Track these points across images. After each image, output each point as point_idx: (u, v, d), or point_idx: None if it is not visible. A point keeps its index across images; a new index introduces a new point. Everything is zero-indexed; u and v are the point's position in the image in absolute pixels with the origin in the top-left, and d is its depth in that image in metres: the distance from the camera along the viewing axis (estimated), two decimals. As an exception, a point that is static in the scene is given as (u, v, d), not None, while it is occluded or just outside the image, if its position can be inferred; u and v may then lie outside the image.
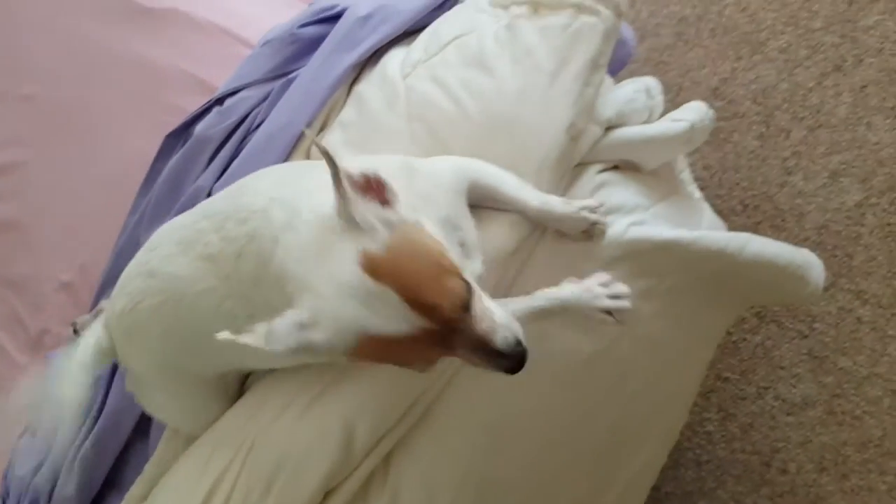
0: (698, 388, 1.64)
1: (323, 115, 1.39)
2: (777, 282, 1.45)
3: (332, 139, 1.34)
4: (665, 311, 1.35)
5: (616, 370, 1.33)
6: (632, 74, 2.13)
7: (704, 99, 2.05)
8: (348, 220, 0.85)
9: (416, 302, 0.83)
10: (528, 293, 1.22)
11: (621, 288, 1.22)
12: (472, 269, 1.06)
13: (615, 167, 1.36)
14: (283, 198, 1.01)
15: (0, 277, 1.92)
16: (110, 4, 1.81)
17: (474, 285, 0.91)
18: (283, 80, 1.47)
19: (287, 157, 1.38)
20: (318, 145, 0.81)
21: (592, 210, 1.21)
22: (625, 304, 1.21)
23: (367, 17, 1.42)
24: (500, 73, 1.25)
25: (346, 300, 0.84)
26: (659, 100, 1.45)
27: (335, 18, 1.50)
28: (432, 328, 0.84)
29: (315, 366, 1.25)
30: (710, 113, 1.46)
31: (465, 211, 1.13)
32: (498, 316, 0.90)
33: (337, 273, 0.85)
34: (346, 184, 0.84)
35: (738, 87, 2.06)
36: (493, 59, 1.26)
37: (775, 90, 2.01)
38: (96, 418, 1.55)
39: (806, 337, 1.93)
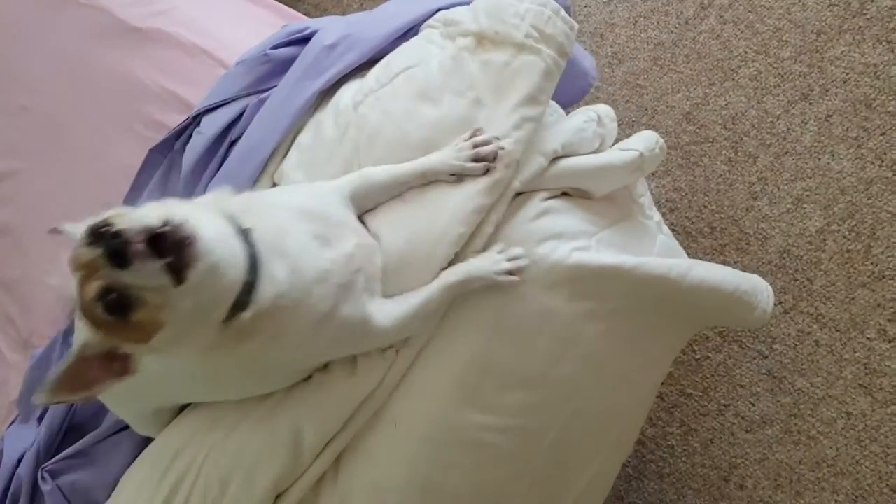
0: (650, 406, 1.70)
1: (289, 138, 1.47)
2: (723, 306, 1.50)
3: (289, 162, 1.43)
4: (608, 333, 1.40)
5: (559, 389, 1.38)
6: (609, 96, 2.21)
7: (677, 123, 2.14)
8: None
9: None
10: None
11: (517, 251, 1.28)
12: (335, 254, 1.14)
13: (564, 194, 1.43)
14: None
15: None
16: (101, 23, 1.90)
17: (142, 210, 0.92)
18: (256, 99, 1.55)
19: (257, 177, 1.47)
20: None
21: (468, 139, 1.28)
22: (523, 261, 1.28)
23: (332, 46, 1.49)
24: (441, 104, 1.32)
25: None
26: (611, 127, 1.51)
27: (305, 41, 1.57)
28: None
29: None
30: (661, 142, 1.52)
31: (329, 209, 1.21)
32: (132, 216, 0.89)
33: None
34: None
35: (710, 112, 2.12)
36: (436, 90, 1.33)
37: (744, 116, 2.07)
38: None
39: (766, 357, 1.98)
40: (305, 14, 2.26)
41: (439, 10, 1.49)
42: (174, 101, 1.73)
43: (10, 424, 1.80)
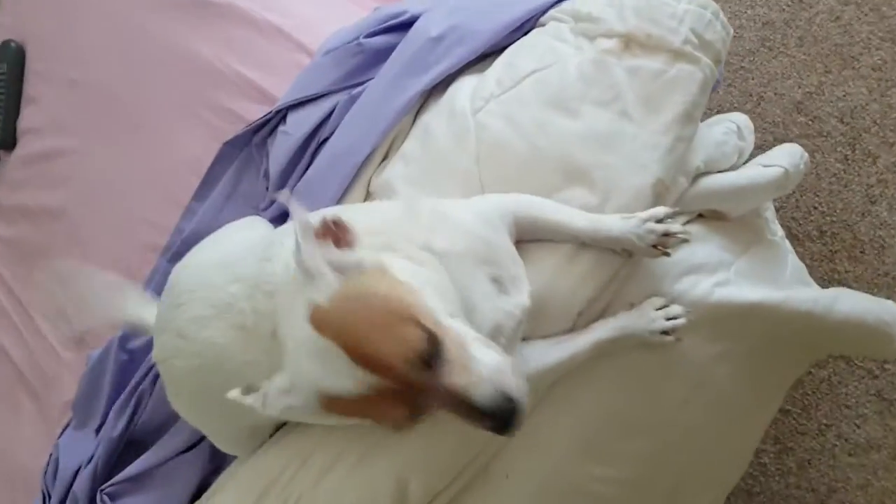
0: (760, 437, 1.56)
1: (386, 143, 1.30)
2: (862, 338, 1.39)
3: (393, 173, 1.26)
4: (737, 373, 1.28)
5: (683, 436, 1.27)
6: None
7: (786, 113, 1.95)
8: (301, 269, 0.83)
9: (361, 356, 0.78)
10: None
11: (676, 309, 1.14)
12: (511, 304, 1.00)
13: (699, 216, 1.26)
14: None
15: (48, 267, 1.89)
16: (166, -10, 1.72)
17: (457, 330, 0.83)
18: (347, 95, 1.38)
19: (349, 184, 1.31)
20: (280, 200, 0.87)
21: (660, 219, 1.09)
22: (681, 321, 1.14)
23: (438, 39, 1.30)
24: (581, 115, 1.15)
25: (301, 358, 0.83)
26: (750, 140, 1.34)
27: (403, 26, 1.39)
28: (387, 385, 0.78)
29: None
30: (805, 157, 1.36)
31: (504, 243, 1.05)
32: (484, 366, 0.80)
33: (294, 329, 0.84)
34: (299, 231, 0.82)
35: (825, 103, 1.92)
36: (574, 99, 1.16)
37: (865, 110, 1.87)
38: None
39: (876, 377, 1.83)
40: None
41: (562, -1, 1.30)
42: (248, 88, 1.55)
43: (64, 429, 1.69)
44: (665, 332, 1.13)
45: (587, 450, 1.18)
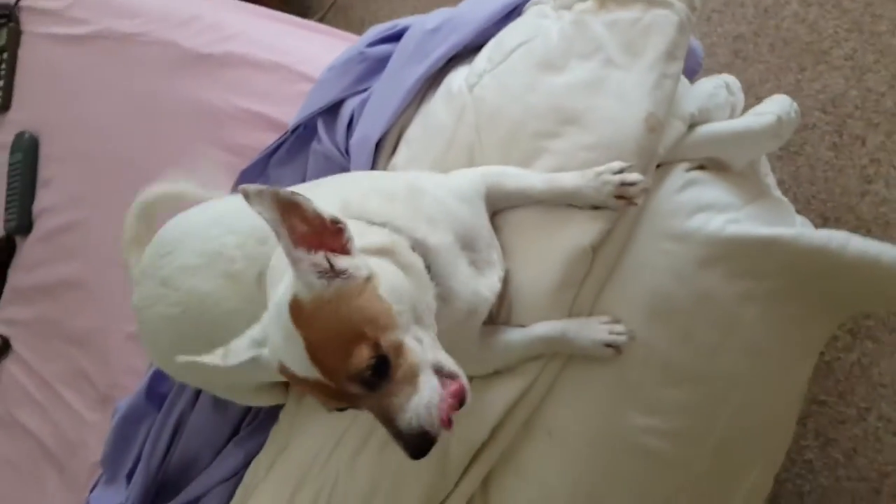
0: (799, 409, 1.53)
1: (396, 129, 1.37)
2: (881, 283, 1.36)
3: (398, 158, 1.32)
4: (766, 317, 1.26)
5: (720, 383, 1.24)
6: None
7: (770, 114, 2.00)
8: (292, 262, 0.84)
9: (315, 357, 0.84)
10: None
11: (620, 327, 1.15)
12: (485, 287, 1.07)
13: (701, 167, 1.30)
14: None
15: (65, 336, 1.90)
16: (168, 56, 1.82)
17: (416, 356, 0.88)
18: (359, 100, 1.45)
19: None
20: (246, 191, 0.80)
21: (616, 171, 1.12)
22: (623, 338, 1.14)
23: (435, 30, 1.40)
24: (567, 70, 1.22)
25: (275, 329, 0.88)
26: (740, 97, 1.40)
27: (399, 36, 1.48)
28: (330, 385, 0.86)
29: None
30: (795, 106, 1.41)
31: (482, 222, 1.13)
32: (419, 399, 0.86)
33: (278, 302, 0.88)
34: (286, 237, 0.82)
35: (805, 98, 1.99)
36: (559, 56, 1.23)
37: (845, 98, 1.94)
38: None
39: (906, 351, 1.81)
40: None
41: (544, -12, 1.39)
42: (255, 120, 1.62)
43: (94, 487, 1.65)
44: (609, 346, 1.13)
45: (629, 398, 1.17)
